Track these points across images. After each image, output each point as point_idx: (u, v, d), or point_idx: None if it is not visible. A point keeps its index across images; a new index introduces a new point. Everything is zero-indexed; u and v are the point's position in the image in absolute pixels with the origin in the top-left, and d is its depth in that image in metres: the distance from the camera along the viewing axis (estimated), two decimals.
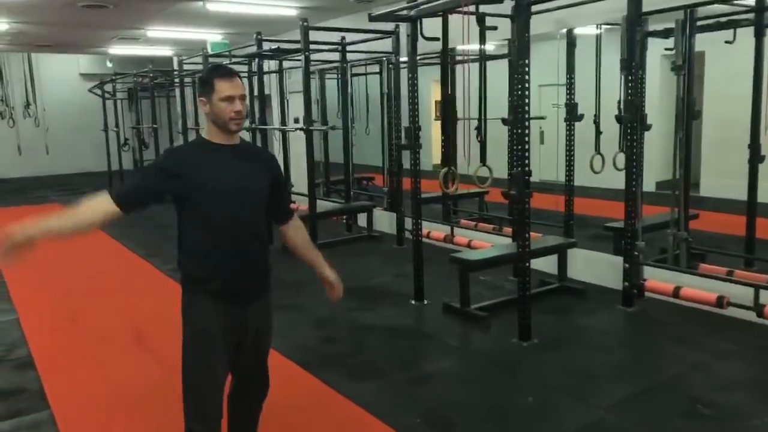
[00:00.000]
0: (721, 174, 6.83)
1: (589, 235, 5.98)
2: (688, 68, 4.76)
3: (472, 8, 4.07)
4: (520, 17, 3.79)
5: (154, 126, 11.04)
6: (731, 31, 5.12)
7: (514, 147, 3.91)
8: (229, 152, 2.16)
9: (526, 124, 3.89)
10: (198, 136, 2.25)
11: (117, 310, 4.99)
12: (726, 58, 6.26)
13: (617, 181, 6.15)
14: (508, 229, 6.39)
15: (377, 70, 8.56)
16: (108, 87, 13.13)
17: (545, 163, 6.29)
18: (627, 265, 4.62)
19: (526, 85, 3.83)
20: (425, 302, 4.92)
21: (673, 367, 3.62)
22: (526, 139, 3.88)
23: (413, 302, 4.94)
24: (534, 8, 3.94)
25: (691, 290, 4.28)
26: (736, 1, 4.93)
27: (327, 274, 2.41)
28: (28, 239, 2.00)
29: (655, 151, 7.10)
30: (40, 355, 3.99)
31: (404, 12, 4.48)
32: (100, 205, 2.08)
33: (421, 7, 4.33)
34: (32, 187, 13.69)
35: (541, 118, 6.43)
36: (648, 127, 5.36)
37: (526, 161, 3.89)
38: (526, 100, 3.85)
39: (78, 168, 15.76)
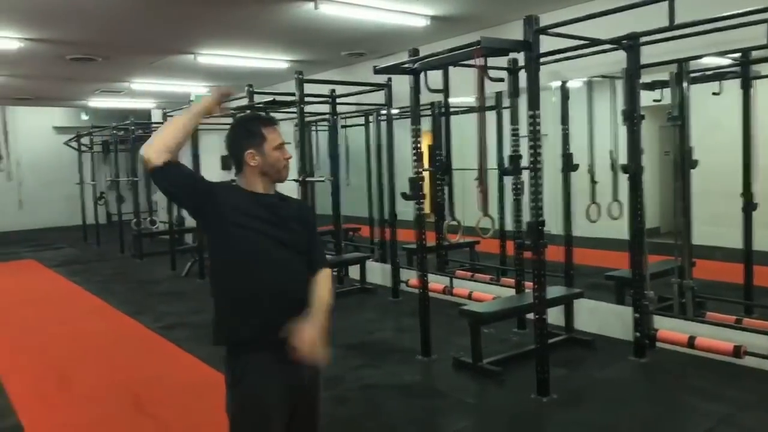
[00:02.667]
0: (708, 222, 6.93)
1: (588, 285, 5.95)
2: (683, 119, 4.86)
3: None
4: (530, 69, 3.82)
5: (135, 179, 10.84)
6: (717, 82, 5.31)
7: (530, 197, 3.87)
8: (271, 201, 2.08)
9: (539, 174, 3.89)
10: (230, 182, 2.14)
11: (109, 372, 4.71)
12: (707, 109, 6.45)
13: (609, 230, 6.22)
14: (506, 280, 6.32)
15: (361, 122, 8.63)
16: (85, 140, 12.93)
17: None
18: (638, 315, 4.58)
19: (538, 135, 3.85)
20: (433, 357, 4.77)
21: (701, 422, 3.52)
22: (540, 189, 3.87)
23: (420, 357, 4.78)
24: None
25: (707, 340, 4.24)
26: (727, 55, 5.09)
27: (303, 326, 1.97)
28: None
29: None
30: (29, 422, 3.71)
31: (408, 65, 4.50)
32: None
33: (426, 60, 4.36)
34: (3, 242, 13.20)
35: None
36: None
37: (540, 211, 3.87)
38: (539, 150, 3.86)
39: (52, 222, 15.31)
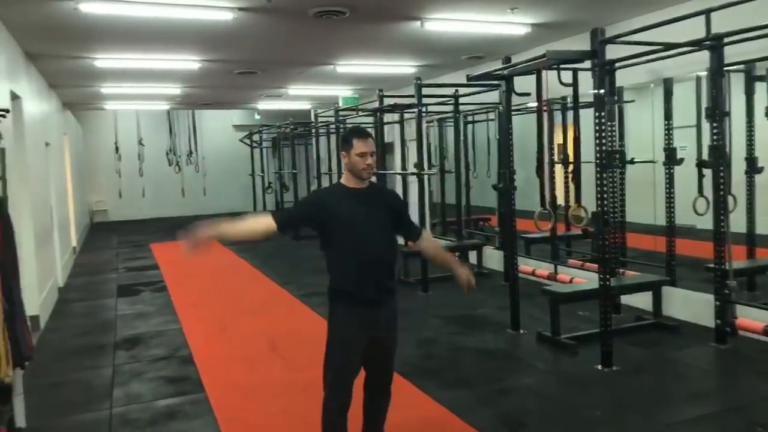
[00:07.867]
0: None
1: (704, 278, 6.04)
2: None
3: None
4: (597, 76, 4.28)
5: (294, 171, 12.44)
6: None
7: (596, 190, 4.34)
8: (359, 194, 2.84)
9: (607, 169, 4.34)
10: (337, 182, 2.98)
11: (257, 325, 5.97)
12: None
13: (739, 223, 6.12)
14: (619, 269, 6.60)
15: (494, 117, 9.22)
16: (255, 137, 14.96)
17: (681, 207, 6.14)
18: (718, 303, 4.80)
19: (604, 135, 4.30)
20: (521, 331, 5.38)
21: (746, 396, 3.81)
22: (606, 183, 4.33)
23: (510, 331, 5.42)
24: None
25: None
26: None
27: (459, 272, 2.96)
28: (209, 238, 2.76)
29: None
30: (197, 354, 5.01)
31: (498, 72, 5.13)
32: (265, 220, 2.80)
33: (513, 68, 4.96)
34: (192, 224, 15.70)
35: (652, 161, 6.68)
36: (760, 170, 5.56)
37: (606, 202, 4.33)
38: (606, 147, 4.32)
39: (229, 208, 17.74)
